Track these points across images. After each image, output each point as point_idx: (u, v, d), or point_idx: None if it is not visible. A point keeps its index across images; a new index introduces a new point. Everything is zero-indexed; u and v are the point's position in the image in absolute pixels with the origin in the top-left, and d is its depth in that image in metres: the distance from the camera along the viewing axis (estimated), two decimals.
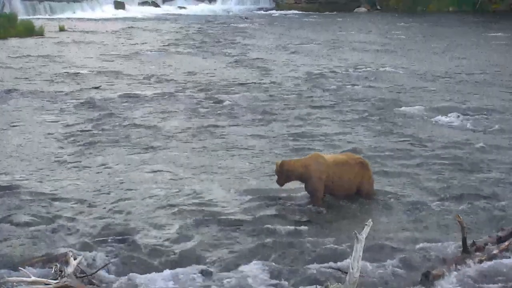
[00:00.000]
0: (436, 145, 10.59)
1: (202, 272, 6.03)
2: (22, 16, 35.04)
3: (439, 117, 12.54)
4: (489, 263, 6.11)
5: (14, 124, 11.98)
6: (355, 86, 16.09)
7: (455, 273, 5.91)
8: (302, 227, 7.05)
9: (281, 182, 7.91)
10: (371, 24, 36.63)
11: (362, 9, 48.71)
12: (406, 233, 7.01)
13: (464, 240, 6.11)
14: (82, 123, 12.03)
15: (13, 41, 25.84)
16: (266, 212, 7.54)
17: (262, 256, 6.40)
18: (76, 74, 17.84)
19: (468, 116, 12.57)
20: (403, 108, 13.37)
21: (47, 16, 40.79)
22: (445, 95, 15.01)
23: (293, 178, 7.85)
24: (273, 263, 6.24)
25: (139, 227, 7.11)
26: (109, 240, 6.73)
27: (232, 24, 36.28)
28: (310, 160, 7.82)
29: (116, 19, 40.14)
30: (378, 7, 49.21)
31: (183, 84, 16.30)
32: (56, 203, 7.83)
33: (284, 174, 7.81)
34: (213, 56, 22.20)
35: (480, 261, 6.09)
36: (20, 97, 14.49)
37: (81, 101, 14.02)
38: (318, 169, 7.64)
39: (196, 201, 7.93)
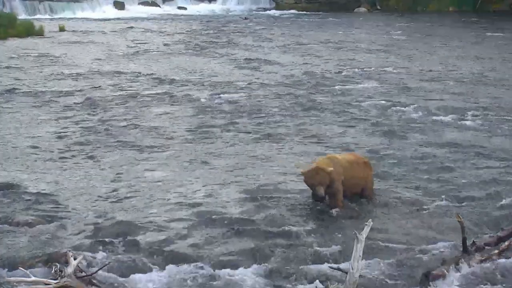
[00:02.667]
0: (436, 145, 10.59)
1: (201, 272, 6.03)
2: (22, 16, 35.06)
3: (439, 117, 12.54)
4: (489, 263, 6.11)
5: (14, 124, 11.97)
6: (355, 86, 16.09)
7: (455, 273, 5.90)
8: (302, 227, 7.04)
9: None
10: (371, 24, 36.63)
11: (362, 9, 48.67)
12: (406, 233, 7.01)
13: (464, 240, 6.11)
14: (82, 123, 12.03)
15: (13, 41, 25.83)
16: (266, 212, 7.53)
17: (262, 256, 6.40)
18: (76, 74, 17.84)
19: (468, 116, 12.57)
20: (403, 108, 13.36)
21: (47, 16, 40.77)
22: (445, 95, 15.01)
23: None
24: (273, 263, 6.24)
25: (139, 227, 7.10)
26: (109, 240, 6.72)
27: (232, 24, 36.27)
28: (329, 161, 7.57)
29: (116, 19, 40.10)
30: (378, 7, 49.18)
31: (183, 84, 16.30)
32: (56, 203, 7.83)
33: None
34: (213, 56, 22.19)
35: (480, 261, 6.09)
36: (20, 97, 14.49)
37: (81, 101, 14.01)
38: (337, 171, 7.50)
39: (196, 201, 7.93)
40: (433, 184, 8.55)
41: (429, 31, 31.89)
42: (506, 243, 6.38)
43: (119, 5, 46.93)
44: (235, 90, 15.48)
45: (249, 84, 16.37)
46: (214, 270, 6.09)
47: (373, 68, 19.22)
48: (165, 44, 25.59)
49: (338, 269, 5.77)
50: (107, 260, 6.19)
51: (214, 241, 6.79)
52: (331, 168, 7.29)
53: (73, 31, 30.89)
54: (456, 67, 19.74)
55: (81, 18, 40.07)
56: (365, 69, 19.01)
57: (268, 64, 20.04)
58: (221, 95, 14.69)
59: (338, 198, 7.57)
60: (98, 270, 5.80)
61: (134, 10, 46.45)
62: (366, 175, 7.90)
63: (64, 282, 5.37)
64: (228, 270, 6.08)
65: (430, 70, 18.91)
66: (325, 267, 6.07)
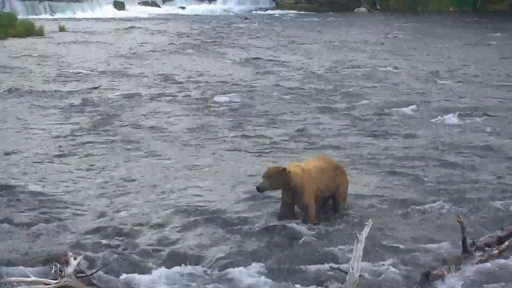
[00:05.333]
0: (436, 145, 10.58)
1: (201, 272, 6.03)
2: (22, 16, 35.06)
3: (438, 117, 12.54)
4: (489, 263, 6.11)
5: (14, 124, 11.97)
6: (355, 86, 16.09)
7: (455, 273, 5.90)
8: (302, 227, 7.03)
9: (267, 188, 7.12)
10: (371, 24, 36.62)
11: (362, 9, 48.69)
12: (406, 233, 7.00)
13: (464, 240, 6.10)
14: (81, 123, 12.03)
15: (13, 41, 25.83)
16: (265, 212, 7.52)
17: (261, 256, 6.40)
18: (76, 74, 17.84)
19: (468, 116, 12.56)
20: (402, 108, 13.36)
21: (47, 16, 40.79)
22: (445, 95, 15.01)
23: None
24: (273, 263, 6.23)
25: (139, 227, 7.11)
26: (109, 240, 6.72)
27: (232, 24, 36.27)
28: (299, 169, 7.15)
29: (116, 19, 40.12)
30: (378, 7, 49.21)
31: (183, 84, 16.30)
32: (56, 203, 7.83)
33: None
34: (213, 56, 22.20)
35: (480, 261, 6.09)
36: (20, 97, 14.49)
37: (81, 101, 14.01)
38: (309, 182, 7.08)
39: (196, 201, 7.93)
40: (433, 184, 8.55)
41: (429, 31, 31.88)
42: (506, 243, 6.37)
43: (119, 5, 46.95)
44: (235, 90, 15.47)
45: (248, 84, 16.37)
46: (213, 270, 6.09)
47: (373, 68, 19.21)
48: (165, 44, 25.58)
49: (338, 269, 5.77)
50: (107, 260, 6.19)
51: (214, 241, 6.79)
52: (290, 169, 6.95)
53: (73, 31, 30.89)
54: (456, 67, 19.72)
55: (81, 18, 40.07)
56: (365, 69, 19.01)
57: (268, 64, 20.04)
58: (221, 95, 14.68)
59: (310, 212, 7.13)
60: (98, 270, 5.80)
61: (134, 10, 46.47)
62: (338, 181, 7.42)
63: (64, 282, 5.36)
64: (228, 270, 6.07)
65: (430, 70, 18.89)
66: (325, 267, 6.07)
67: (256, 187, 7.10)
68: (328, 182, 7.33)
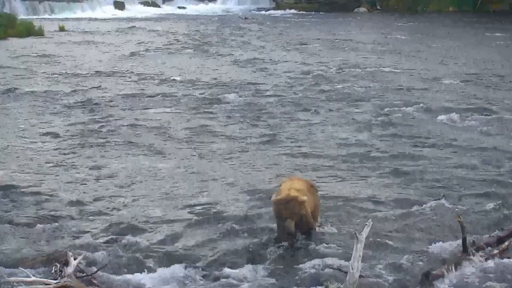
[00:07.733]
0: (436, 145, 10.58)
1: (202, 272, 6.03)
2: (22, 16, 35.13)
3: (439, 117, 12.53)
4: (489, 263, 6.10)
5: (14, 124, 11.97)
6: (355, 86, 16.08)
7: (455, 273, 5.89)
8: None
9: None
10: (371, 24, 36.64)
11: (362, 9, 48.74)
12: (406, 233, 7.00)
13: (464, 240, 6.10)
14: (81, 123, 12.03)
15: (13, 41, 25.85)
16: (265, 212, 7.52)
17: (261, 255, 6.39)
18: (76, 74, 17.85)
19: (468, 116, 12.55)
20: (403, 108, 13.35)
21: (47, 16, 40.85)
22: (445, 95, 15.00)
23: None
24: (273, 263, 6.23)
25: (138, 227, 7.11)
26: (109, 240, 6.73)
27: (232, 24, 36.28)
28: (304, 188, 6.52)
29: (116, 19, 40.16)
30: (378, 7, 49.27)
31: (183, 85, 16.30)
32: (56, 203, 7.83)
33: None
34: (213, 56, 22.20)
35: (480, 261, 6.09)
36: (20, 97, 14.50)
37: (81, 101, 14.02)
38: (310, 200, 6.53)
39: (195, 201, 7.93)
40: (433, 184, 8.55)
41: (429, 31, 31.90)
42: (506, 243, 6.37)
43: (119, 5, 47.05)
44: (235, 90, 15.47)
45: (248, 84, 16.37)
46: (214, 270, 6.09)
47: (373, 68, 19.21)
48: (165, 44, 25.59)
49: (338, 269, 5.77)
50: (107, 260, 6.19)
51: (214, 241, 6.79)
52: (305, 197, 6.27)
53: (73, 31, 30.93)
54: (456, 67, 19.73)
55: (81, 18, 40.12)
56: (364, 69, 19.01)
57: (267, 64, 20.03)
58: (221, 95, 14.68)
59: (312, 228, 6.69)
60: (98, 270, 5.80)
61: (134, 10, 46.59)
62: (316, 202, 6.91)
63: (64, 282, 5.37)
64: (227, 270, 6.07)
65: (430, 70, 18.89)
66: (325, 267, 6.06)
67: (289, 233, 6.25)
68: (314, 202, 6.80)
